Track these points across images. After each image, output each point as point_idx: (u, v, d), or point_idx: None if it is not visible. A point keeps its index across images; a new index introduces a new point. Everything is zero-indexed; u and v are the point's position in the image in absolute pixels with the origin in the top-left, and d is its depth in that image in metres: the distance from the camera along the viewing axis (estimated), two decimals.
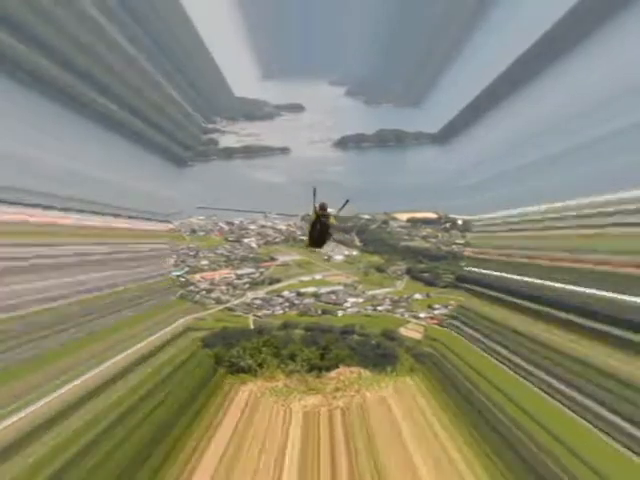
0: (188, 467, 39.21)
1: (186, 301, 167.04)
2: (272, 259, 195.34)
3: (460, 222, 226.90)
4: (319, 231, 22.36)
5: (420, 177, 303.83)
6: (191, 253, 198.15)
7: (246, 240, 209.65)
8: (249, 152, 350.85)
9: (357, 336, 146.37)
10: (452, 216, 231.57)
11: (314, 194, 21.37)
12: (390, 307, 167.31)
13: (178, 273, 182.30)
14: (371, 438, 43.13)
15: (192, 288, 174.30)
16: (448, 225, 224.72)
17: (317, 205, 21.76)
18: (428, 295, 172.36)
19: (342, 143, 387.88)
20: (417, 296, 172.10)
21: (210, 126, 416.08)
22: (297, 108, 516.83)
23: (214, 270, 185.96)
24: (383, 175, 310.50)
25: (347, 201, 24.07)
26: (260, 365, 57.23)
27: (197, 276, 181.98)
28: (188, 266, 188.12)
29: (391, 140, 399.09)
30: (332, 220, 23.73)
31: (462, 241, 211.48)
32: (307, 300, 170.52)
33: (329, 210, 22.33)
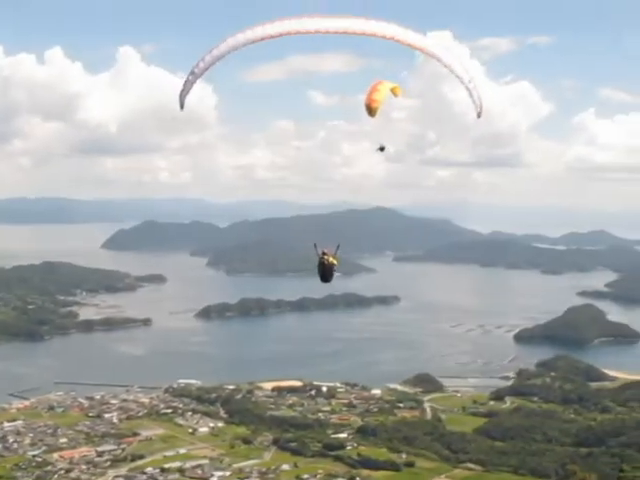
0: None
1: None
2: (135, 434, 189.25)
3: (325, 389, 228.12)
4: (324, 268, 32.31)
5: (282, 345, 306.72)
6: (48, 431, 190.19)
7: (107, 415, 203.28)
8: (110, 324, 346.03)
9: None
10: (317, 383, 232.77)
11: (315, 246, 32.90)
12: (258, 479, 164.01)
13: (34, 453, 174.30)
14: None
15: (49, 468, 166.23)
16: (313, 392, 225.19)
17: (320, 250, 32.71)
18: (296, 465, 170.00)
19: (205, 313, 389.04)
20: (285, 467, 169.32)
21: (69, 298, 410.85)
22: (159, 279, 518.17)
23: (73, 448, 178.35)
24: (246, 344, 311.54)
25: (338, 246, 33.51)
26: None
27: (55, 455, 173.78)
28: (46, 445, 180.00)
29: (254, 309, 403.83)
30: (332, 259, 32.63)
31: (328, 408, 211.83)
32: (171, 476, 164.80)
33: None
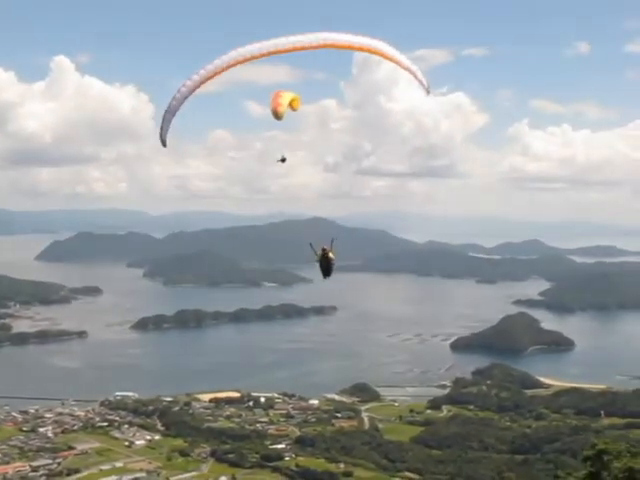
0: None
1: None
2: (70, 448, 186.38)
3: (263, 400, 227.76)
4: (328, 263, 33.75)
5: (220, 356, 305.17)
6: None
7: (42, 429, 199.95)
8: (44, 337, 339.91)
9: None
10: (255, 394, 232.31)
11: (311, 245, 33.51)
12: None
13: None
14: None
15: None
16: (251, 403, 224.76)
17: (319, 249, 33.58)
18: (234, 477, 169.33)
19: (142, 325, 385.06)
20: (223, 478, 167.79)
21: (2, 311, 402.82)
22: (94, 291, 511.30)
23: (7, 464, 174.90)
24: (184, 356, 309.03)
25: (333, 240, 34.32)
26: None
27: None
28: None
29: (191, 320, 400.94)
30: (331, 254, 33.92)
31: (266, 419, 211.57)
32: None
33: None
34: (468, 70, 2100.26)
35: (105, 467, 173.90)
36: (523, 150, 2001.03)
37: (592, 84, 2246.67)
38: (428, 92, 31.21)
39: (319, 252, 33.80)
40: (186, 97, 28.55)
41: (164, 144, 30.24)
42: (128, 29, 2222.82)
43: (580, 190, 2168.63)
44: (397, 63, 29.62)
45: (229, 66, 27.94)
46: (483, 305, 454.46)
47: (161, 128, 29.63)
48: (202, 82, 28.33)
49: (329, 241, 34.94)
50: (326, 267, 33.67)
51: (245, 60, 27.79)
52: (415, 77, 30.18)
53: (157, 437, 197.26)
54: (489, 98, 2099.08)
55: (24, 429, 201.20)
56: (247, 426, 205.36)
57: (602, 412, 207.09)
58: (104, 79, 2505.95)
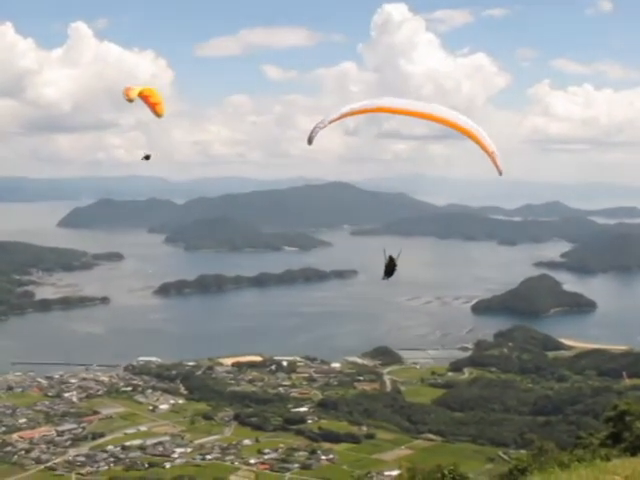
0: None
1: (2, 463, 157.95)
2: (95, 412, 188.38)
3: (285, 364, 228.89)
4: (391, 267, 35.28)
5: (241, 321, 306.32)
6: (7, 412, 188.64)
7: (67, 394, 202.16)
8: (67, 303, 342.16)
9: None
10: (277, 358, 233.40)
11: (384, 252, 35.22)
12: (219, 455, 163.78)
13: None
14: None
15: (9, 449, 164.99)
16: (274, 367, 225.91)
17: (387, 255, 35.22)
18: (257, 440, 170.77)
19: (163, 290, 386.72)
20: (246, 441, 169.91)
21: (25, 278, 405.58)
22: (116, 257, 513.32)
23: (33, 428, 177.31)
24: (205, 320, 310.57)
25: (401, 250, 35.64)
26: None
27: (15, 435, 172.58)
28: (4, 426, 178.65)
29: (212, 285, 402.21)
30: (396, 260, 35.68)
31: (288, 383, 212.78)
32: (133, 453, 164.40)
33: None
34: (488, 31, 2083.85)
35: (130, 431, 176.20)
36: (544, 111, 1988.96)
37: (614, 43, 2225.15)
38: (501, 174, 30.79)
39: (387, 257, 35.59)
40: (342, 118, 29.21)
41: (310, 143, 30.66)
42: None
43: (602, 151, 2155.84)
44: (483, 148, 29.23)
45: (370, 111, 28.73)
46: (504, 267, 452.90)
47: (311, 132, 29.98)
48: (349, 115, 29.09)
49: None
50: (390, 269, 35.45)
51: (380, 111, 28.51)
52: (494, 164, 29.68)
53: (180, 401, 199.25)
54: (510, 59, 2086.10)
55: (49, 394, 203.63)
56: (269, 390, 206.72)
57: (624, 373, 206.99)
58: (122, 44, 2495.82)
